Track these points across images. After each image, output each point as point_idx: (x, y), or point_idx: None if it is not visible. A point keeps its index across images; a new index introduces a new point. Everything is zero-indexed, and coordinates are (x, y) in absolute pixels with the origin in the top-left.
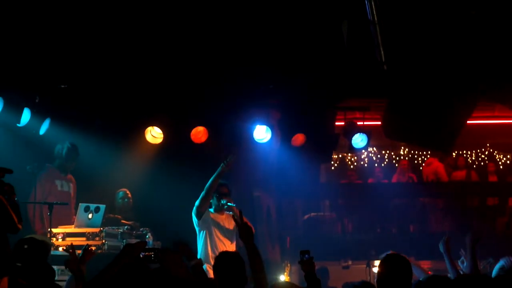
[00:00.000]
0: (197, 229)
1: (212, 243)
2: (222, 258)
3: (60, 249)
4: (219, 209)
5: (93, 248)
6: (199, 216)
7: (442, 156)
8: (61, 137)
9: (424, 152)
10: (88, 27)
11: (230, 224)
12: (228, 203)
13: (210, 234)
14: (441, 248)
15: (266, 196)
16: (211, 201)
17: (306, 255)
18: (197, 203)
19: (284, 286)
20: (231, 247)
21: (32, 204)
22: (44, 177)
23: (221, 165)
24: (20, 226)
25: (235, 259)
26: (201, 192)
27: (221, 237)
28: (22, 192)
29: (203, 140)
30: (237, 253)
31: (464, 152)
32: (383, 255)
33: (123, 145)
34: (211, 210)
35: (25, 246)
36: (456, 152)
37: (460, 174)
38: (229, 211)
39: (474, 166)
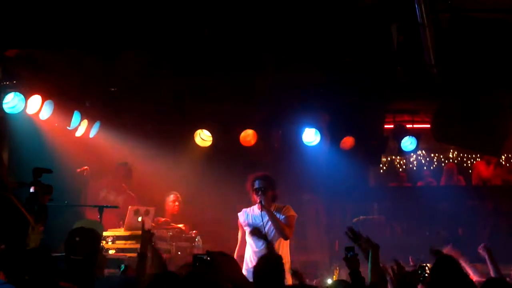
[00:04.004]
0: None
1: (248, 242)
2: (260, 262)
3: (110, 252)
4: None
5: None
6: None
7: (489, 159)
8: (110, 141)
9: (474, 155)
10: (139, 32)
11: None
12: (262, 202)
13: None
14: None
15: (315, 199)
16: None
17: (351, 252)
18: None
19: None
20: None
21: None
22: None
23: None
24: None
25: (272, 264)
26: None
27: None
28: (73, 194)
29: (252, 143)
30: (276, 258)
31: None
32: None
33: (172, 148)
34: None
35: (77, 239)
36: (506, 155)
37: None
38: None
39: None
